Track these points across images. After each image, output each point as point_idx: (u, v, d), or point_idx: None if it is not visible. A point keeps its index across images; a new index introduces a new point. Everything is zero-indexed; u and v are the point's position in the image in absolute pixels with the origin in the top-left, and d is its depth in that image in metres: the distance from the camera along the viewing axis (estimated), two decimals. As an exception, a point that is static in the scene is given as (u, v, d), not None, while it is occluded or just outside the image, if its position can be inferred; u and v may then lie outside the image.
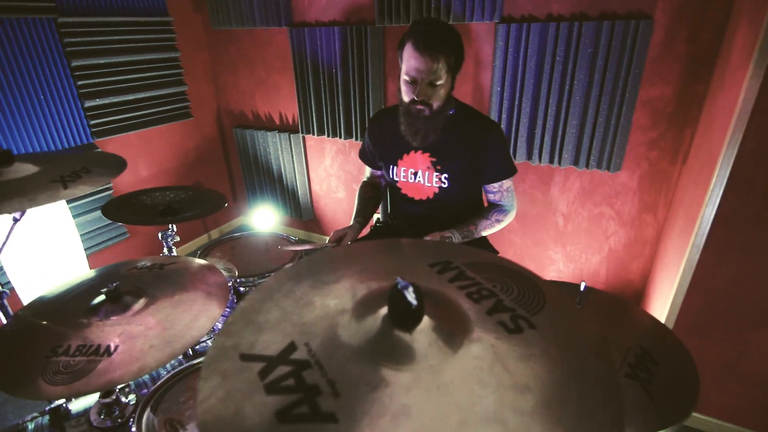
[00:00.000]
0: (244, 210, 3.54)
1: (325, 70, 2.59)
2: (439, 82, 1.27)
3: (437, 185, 1.47)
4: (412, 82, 1.28)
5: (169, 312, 1.11)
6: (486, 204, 1.57)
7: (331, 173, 2.97)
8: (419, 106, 1.31)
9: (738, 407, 1.63)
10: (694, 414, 1.72)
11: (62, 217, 2.06)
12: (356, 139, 2.66)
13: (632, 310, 0.94)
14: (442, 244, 0.74)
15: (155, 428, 0.89)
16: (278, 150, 3.02)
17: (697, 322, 1.57)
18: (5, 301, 1.28)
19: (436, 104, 1.32)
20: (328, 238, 1.50)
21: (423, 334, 0.48)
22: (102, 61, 2.43)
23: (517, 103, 2.11)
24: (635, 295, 2.18)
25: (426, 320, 0.50)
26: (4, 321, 1.28)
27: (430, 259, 0.62)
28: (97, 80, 2.43)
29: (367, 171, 1.74)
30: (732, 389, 1.61)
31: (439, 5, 2.10)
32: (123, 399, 1.17)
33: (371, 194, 1.71)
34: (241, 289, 1.60)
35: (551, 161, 2.12)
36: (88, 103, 2.40)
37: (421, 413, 0.42)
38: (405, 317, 0.48)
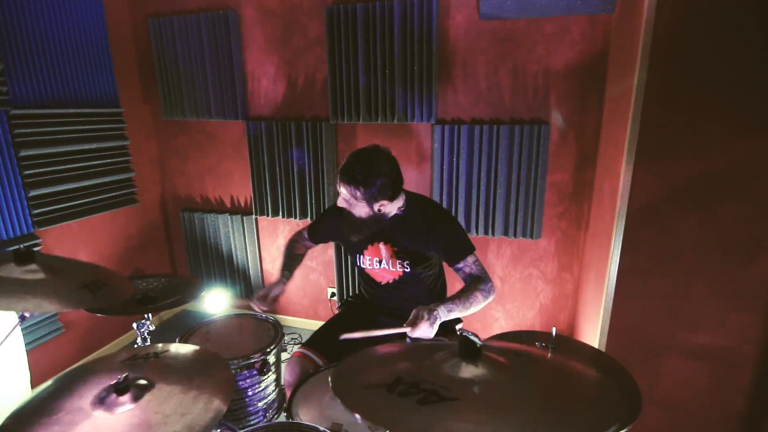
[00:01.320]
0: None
1: (280, 159, 2.83)
2: (350, 202, 1.51)
3: (400, 270, 1.69)
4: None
5: (181, 398, 1.15)
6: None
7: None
8: (345, 210, 1.56)
9: (659, 428, 1.98)
10: (628, 441, 2.03)
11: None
12: (311, 218, 2.87)
13: (604, 359, 1.24)
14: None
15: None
16: (229, 231, 3.10)
17: (619, 357, 1.93)
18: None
19: (356, 213, 1.53)
20: (255, 298, 1.70)
21: (482, 364, 0.71)
22: (50, 151, 2.42)
23: (454, 186, 2.53)
24: (565, 343, 2.56)
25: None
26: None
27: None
28: (43, 169, 2.39)
29: (304, 233, 1.92)
30: (653, 412, 1.97)
31: (385, 107, 2.52)
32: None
33: (301, 252, 1.94)
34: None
35: (486, 233, 2.53)
36: (32, 192, 2.33)
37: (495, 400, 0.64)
38: (472, 352, 0.71)
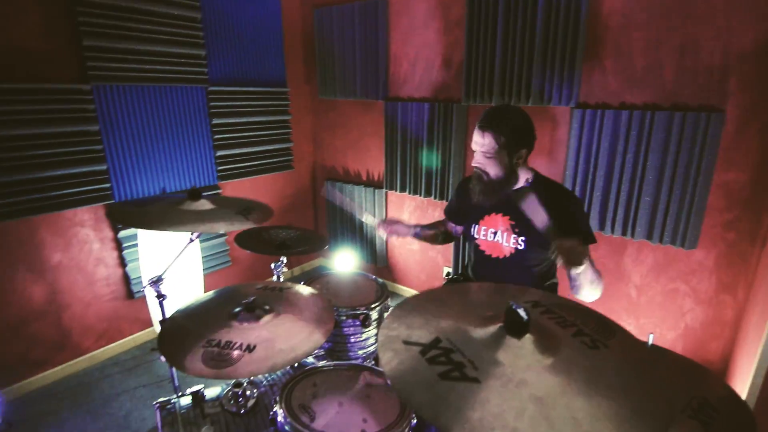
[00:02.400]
0: (323, 253, 3.91)
1: (412, 138, 2.97)
2: (489, 154, 1.51)
3: (514, 246, 1.63)
4: (474, 151, 1.57)
5: (290, 325, 1.39)
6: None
7: (407, 227, 3.25)
8: (479, 170, 1.58)
9: None
10: None
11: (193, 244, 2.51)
12: (435, 197, 2.95)
13: (697, 368, 1.05)
14: (534, 291, 0.95)
15: (293, 409, 1.13)
16: (362, 201, 3.39)
17: (777, 407, 1.55)
18: (163, 303, 1.64)
19: (492, 172, 1.55)
20: (382, 221, 1.85)
21: (527, 340, 0.70)
22: (233, 120, 3.00)
23: (590, 178, 2.29)
24: (717, 373, 2.13)
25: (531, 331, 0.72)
26: (160, 319, 1.63)
27: (525, 299, 0.84)
28: (227, 135, 2.99)
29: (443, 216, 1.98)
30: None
31: (519, 89, 2.41)
32: (248, 392, 1.44)
33: (442, 230, 1.96)
34: (337, 317, 1.86)
35: (624, 233, 2.24)
36: (219, 153, 2.95)
37: (532, 384, 0.63)
38: (518, 327, 0.70)
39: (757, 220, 1.93)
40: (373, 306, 1.83)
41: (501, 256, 1.68)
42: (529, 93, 2.38)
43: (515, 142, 1.51)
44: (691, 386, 0.93)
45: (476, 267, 1.87)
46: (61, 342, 2.42)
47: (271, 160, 3.33)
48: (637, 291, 2.30)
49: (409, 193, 3.09)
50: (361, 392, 1.25)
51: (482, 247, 1.74)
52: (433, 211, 3.07)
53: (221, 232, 2.90)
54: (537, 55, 2.30)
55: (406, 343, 0.73)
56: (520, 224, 1.61)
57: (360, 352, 1.88)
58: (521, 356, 0.67)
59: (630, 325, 2.36)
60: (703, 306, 2.13)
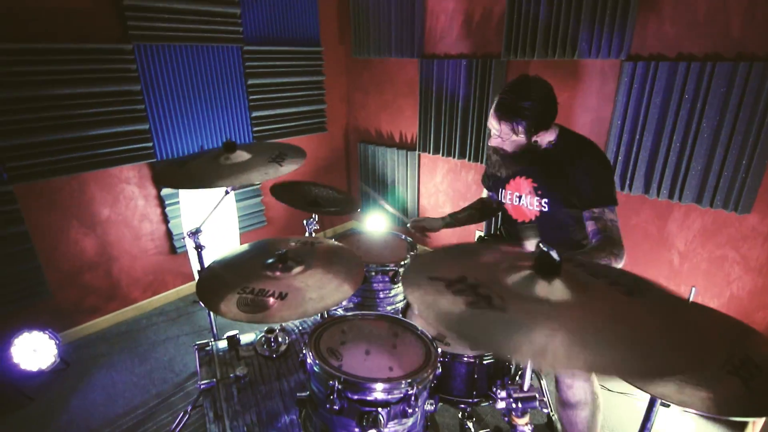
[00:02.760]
0: (356, 215, 3.95)
1: (447, 97, 2.87)
2: (505, 138, 1.47)
3: (538, 209, 1.59)
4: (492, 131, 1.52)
5: (320, 277, 1.42)
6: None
7: (440, 190, 3.22)
8: (498, 147, 1.55)
9: None
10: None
11: (229, 202, 2.60)
12: (469, 159, 2.88)
13: (743, 327, 1.00)
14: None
15: (322, 351, 1.18)
16: (395, 164, 3.37)
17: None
18: (202, 253, 1.72)
19: (509, 149, 1.52)
20: (411, 222, 1.85)
21: (558, 284, 0.68)
22: (268, 81, 3.01)
23: (637, 137, 2.15)
24: (758, 348, 2.03)
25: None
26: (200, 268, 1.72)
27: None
28: (263, 96, 3.01)
29: (485, 193, 1.94)
30: None
31: (565, 41, 2.25)
32: (280, 338, 1.51)
33: (477, 207, 1.92)
34: (366, 272, 1.89)
35: (671, 196, 2.11)
36: (254, 113, 2.98)
37: (560, 318, 0.62)
38: (550, 268, 0.69)
39: (825, 183, 1.76)
40: (402, 263, 1.84)
41: (527, 220, 1.66)
42: (576, 46, 2.22)
43: (534, 127, 1.44)
44: (734, 343, 0.89)
45: (507, 228, 1.85)
46: (111, 292, 2.62)
47: (305, 122, 3.33)
48: (680, 258, 2.18)
49: (443, 155, 3.03)
50: (388, 342, 1.28)
51: (510, 212, 1.71)
52: (466, 174, 3.00)
53: (256, 182, 2.97)
54: (586, 3, 2.13)
55: (431, 278, 0.73)
56: (543, 186, 1.57)
57: (389, 308, 1.92)
58: (551, 294, 0.66)
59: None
60: (752, 274, 2.00)
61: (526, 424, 0.83)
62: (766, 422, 1.62)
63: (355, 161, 3.74)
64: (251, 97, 2.95)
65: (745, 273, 2.02)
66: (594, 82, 2.27)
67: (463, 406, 1.40)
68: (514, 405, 0.78)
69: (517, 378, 1.36)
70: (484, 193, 1.94)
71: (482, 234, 3.03)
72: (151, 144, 2.54)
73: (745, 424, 1.88)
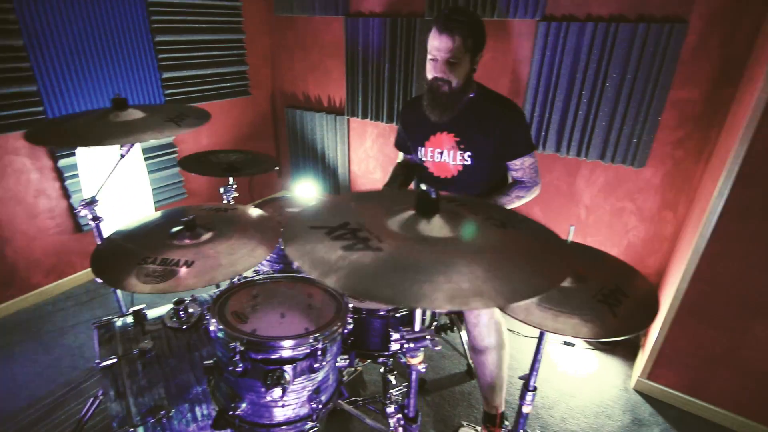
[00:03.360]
0: (287, 184, 3.84)
1: (374, 58, 2.80)
2: (455, 61, 1.42)
3: (461, 163, 1.62)
4: (433, 60, 1.45)
5: (232, 243, 1.36)
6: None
7: (370, 155, 3.19)
8: (439, 83, 1.47)
9: (734, 395, 1.72)
10: (693, 399, 1.82)
11: (139, 169, 2.40)
12: (398, 123, 2.86)
13: (620, 265, 1.10)
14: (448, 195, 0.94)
15: (226, 316, 1.14)
16: (324, 130, 3.28)
17: (700, 309, 1.67)
18: (100, 226, 1.58)
19: (454, 82, 1.46)
20: None
21: (437, 221, 0.70)
22: (179, 38, 2.75)
23: (550, 97, 2.24)
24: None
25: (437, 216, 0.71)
26: (99, 242, 1.58)
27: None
28: (173, 54, 2.76)
29: (400, 156, 1.91)
30: (729, 377, 1.70)
31: (485, 1, 2.26)
32: (190, 309, 1.44)
33: (400, 172, 1.91)
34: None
35: (578, 154, 2.24)
36: (165, 74, 2.73)
37: (444, 252, 0.63)
38: (429, 206, 0.70)
39: (704, 138, 1.95)
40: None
41: (450, 176, 1.67)
42: (495, 3, 2.24)
43: (478, 44, 1.44)
44: (608, 276, 0.98)
45: None
46: (6, 277, 2.35)
47: (225, 85, 3.12)
48: (587, 211, 2.36)
49: (371, 119, 2.99)
50: (302, 303, 1.27)
51: (431, 169, 1.71)
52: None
53: (150, 141, 2.78)
54: (502, -39, 2.14)
55: (313, 227, 0.72)
56: (465, 139, 1.59)
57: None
58: (430, 232, 0.68)
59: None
60: (646, 223, 2.21)
61: (420, 363, 0.86)
62: (653, 352, 1.83)
63: (284, 127, 3.59)
64: (160, 56, 2.69)
65: (640, 222, 2.22)
66: (512, 43, 2.32)
67: (382, 359, 1.44)
68: (406, 345, 0.80)
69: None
70: (399, 157, 1.92)
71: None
72: (41, 108, 2.26)
73: (635, 353, 2.13)
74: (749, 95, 1.52)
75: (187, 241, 1.34)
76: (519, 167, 1.59)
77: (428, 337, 0.80)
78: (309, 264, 0.65)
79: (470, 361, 2.01)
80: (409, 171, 1.93)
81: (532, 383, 1.10)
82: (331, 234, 0.70)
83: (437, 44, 1.42)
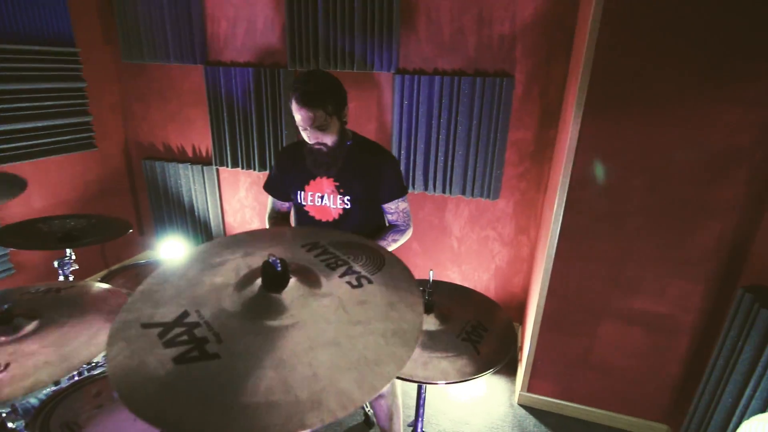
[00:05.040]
0: (151, 244, 3.42)
1: (239, 107, 2.72)
2: (323, 127, 1.50)
3: (341, 207, 1.65)
4: (304, 129, 1.51)
5: (66, 331, 1.14)
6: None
7: (245, 204, 3.04)
8: (316, 146, 1.55)
9: (598, 392, 1.96)
10: (567, 403, 2.02)
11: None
12: (272, 170, 2.79)
13: (480, 299, 1.19)
14: (314, 231, 0.92)
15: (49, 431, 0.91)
16: (190, 182, 3.03)
17: (557, 320, 1.89)
18: None
19: (330, 141, 1.54)
20: None
21: (290, 293, 0.65)
22: (8, 87, 2.33)
23: (413, 141, 2.42)
24: (519, 305, 2.53)
25: (293, 284, 0.66)
26: None
27: (303, 242, 0.79)
28: (3, 106, 2.31)
29: (270, 205, 1.83)
30: (591, 377, 1.94)
31: (344, 55, 2.38)
32: (10, 424, 1.13)
33: (280, 222, 1.85)
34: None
35: (444, 191, 2.44)
36: (-19, 129, 2.26)
37: (285, 345, 0.57)
38: (275, 282, 0.64)
39: (540, 171, 2.29)
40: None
41: (331, 219, 1.68)
42: (354, 59, 2.37)
43: (340, 105, 1.52)
44: (470, 313, 1.04)
45: None
46: None
47: (62, 138, 2.70)
48: (458, 242, 2.55)
49: (243, 167, 2.86)
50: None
51: (311, 213, 1.70)
52: (271, 185, 2.91)
53: None
54: (357, 22, 2.30)
55: (146, 326, 0.61)
56: (344, 184, 1.63)
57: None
58: (279, 312, 0.61)
59: (454, 272, 2.63)
60: (507, 247, 2.47)
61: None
62: (528, 366, 2.01)
63: (142, 182, 3.23)
64: (-25, 107, 2.22)
65: (503, 247, 2.48)
66: (375, 92, 2.47)
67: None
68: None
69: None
70: (269, 206, 1.85)
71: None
72: None
73: (515, 370, 2.31)
74: (565, 134, 1.84)
75: (2, 338, 1.08)
76: (393, 210, 1.68)
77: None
78: (130, 400, 0.51)
79: (367, 410, 1.95)
80: (287, 224, 1.88)
81: (419, 429, 1.09)
82: (164, 336, 0.58)
83: (300, 117, 1.47)
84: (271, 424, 0.49)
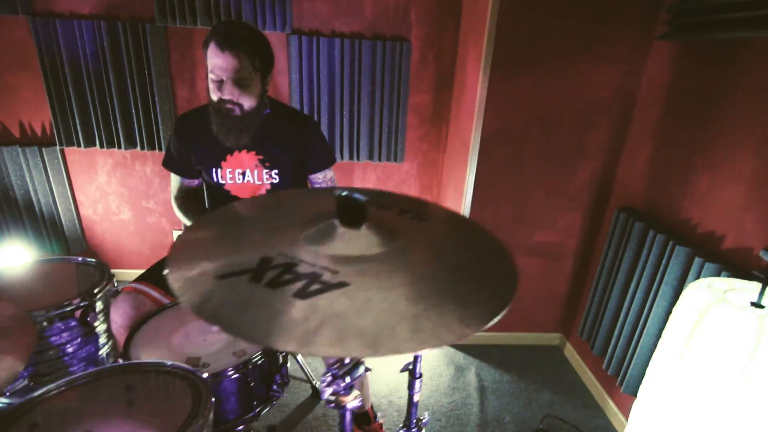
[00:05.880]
0: (-35, 257, 2.57)
1: (91, 71, 2.20)
2: (245, 82, 1.29)
3: (269, 182, 1.49)
4: (218, 81, 1.28)
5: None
6: None
7: (108, 191, 2.51)
8: (228, 105, 1.31)
9: (507, 316, 2.26)
10: (481, 333, 2.29)
11: None
12: (142, 147, 2.35)
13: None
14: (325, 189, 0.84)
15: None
16: (22, 170, 2.36)
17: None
18: None
19: (246, 104, 1.32)
20: None
21: (365, 229, 0.60)
22: None
23: (315, 107, 2.33)
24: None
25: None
26: None
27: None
28: None
29: (174, 183, 1.57)
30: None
31: (228, 10, 2.12)
32: None
33: (200, 205, 1.61)
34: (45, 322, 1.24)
35: (351, 157, 2.43)
36: None
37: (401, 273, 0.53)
38: (355, 215, 0.58)
39: (438, 132, 2.47)
40: (95, 292, 1.31)
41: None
42: (240, 15, 2.13)
43: (267, 65, 1.36)
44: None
45: None
46: None
47: None
48: (369, 208, 2.60)
49: (101, 146, 2.34)
50: (119, 404, 0.87)
51: (234, 192, 1.51)
52: (142, 166, 2.46)
53: None
54: (241, -29, 2.06)
55: (222, 277, 0.49)
56: (269, 157, 1.48)
57: (92, 362, 1.35)
58: (371, 245, 0.57)
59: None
60: (414, 208, 2.62)
61: (355, 398, 0.73)
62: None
63: (-61, 174, 2.37)
64: None
65: (409, 208, 2.62)
66: (266, 55, 2.27)
67: (240, 428, 1.16)
68: (343, 384, 0.66)
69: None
70: (174, 184, 1.59)
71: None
72: None
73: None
74: (468, 94, 2.01)
75: None
76: (321, 180, 1.60)
77: (362, 361, 0.69)
78: (278, 337, 0.42)
79: (313, 382, 1.88)
80: (201, 203, 1.64)
81: (417, 371, 1.12)
82: (260, 279, 0.48)
83: (220, 63, 1.25)
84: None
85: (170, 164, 1.55)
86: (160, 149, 2.36)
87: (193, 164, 1.51)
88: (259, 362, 1.10)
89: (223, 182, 1.48)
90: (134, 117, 2.30)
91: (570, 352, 2.22)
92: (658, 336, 1.53)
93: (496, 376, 2.07)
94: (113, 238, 2.61)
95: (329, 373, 0.66)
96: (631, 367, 1.64)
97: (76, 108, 2.26)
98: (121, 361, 1.04)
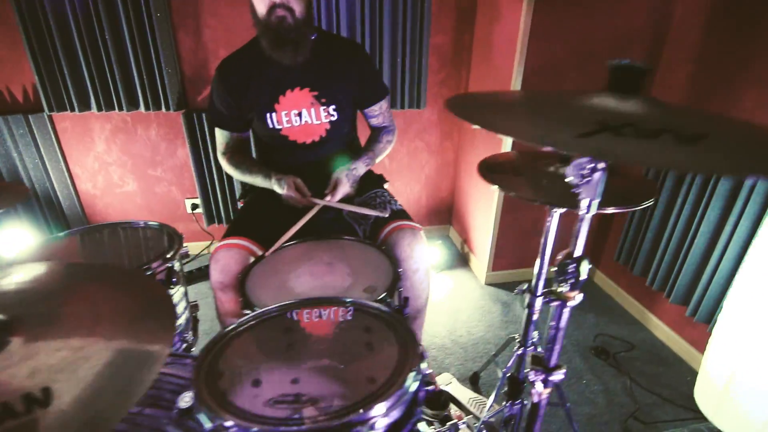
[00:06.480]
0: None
1: (80, 19, 1.93)
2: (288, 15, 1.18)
3: (327, 120, 1.39)
4: None
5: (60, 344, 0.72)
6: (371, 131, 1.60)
7: (109, 161, 2.28)
8: (280, 12, 1.19)
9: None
10: (518, 270, 2.36)
11: None
12: (148, 108, 2.14)
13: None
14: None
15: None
16: (6, 142, 2.08)
17: (511, 204, 2.14)
18: None
19: (298, 10, 1.20)
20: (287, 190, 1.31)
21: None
22: None
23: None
24: (447, 208, 2.75)
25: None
26: None
27: None
28: None
29: (221, 138, 1.45)
30: (533, 243, 2.30)
31: (237, -54, 1.92)
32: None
33: (250, 157, 1.50)
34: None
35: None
36: None
37: None
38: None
39: (458, 75, 2.42)
40: (169, 256, 1.20)
41: (318, 138, 1.43)
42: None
43: None
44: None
45: (280, 163, 1.48)
46: None
47: None
48: (389, 159, 2.55)
49: (99, 110, 2.11)
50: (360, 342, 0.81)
51: (292, 137, 1.41)
52: (146, 129, 2.25)
53: None
54: None
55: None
56: (324, 92, 1.37)
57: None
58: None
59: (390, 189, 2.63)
60: (434, 155, 2.60)
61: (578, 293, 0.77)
62: (492, 249, 2.23)
63: None
64: None
65: (430, 156, 2.59)
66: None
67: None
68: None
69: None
70: (221, 140, 1.47)
71: (196, 202, 2.44)
72: None
73: (466, 262, 2.55)
74: (503, 31, 1.97)
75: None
76: (378, 112, 1.52)
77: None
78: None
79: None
80: (251, 155, 1.54)
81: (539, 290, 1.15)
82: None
83: None
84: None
85: (220, 121, 1.43)
86: (167, 108, 2.15)
87: (244, 113, 1.39)
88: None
89: (279, 127, 1.38)
90: (134, 75, 2.07)
91: (600, 278, 2.35)
92: (709, 244, 1.65)
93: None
94: (118, 214, 2.40)
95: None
96: (678, 279, 1.77)
97: (67, 69, 2.00)
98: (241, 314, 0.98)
